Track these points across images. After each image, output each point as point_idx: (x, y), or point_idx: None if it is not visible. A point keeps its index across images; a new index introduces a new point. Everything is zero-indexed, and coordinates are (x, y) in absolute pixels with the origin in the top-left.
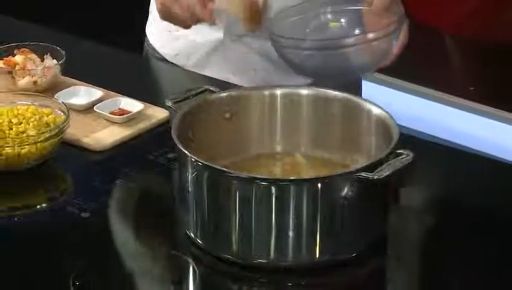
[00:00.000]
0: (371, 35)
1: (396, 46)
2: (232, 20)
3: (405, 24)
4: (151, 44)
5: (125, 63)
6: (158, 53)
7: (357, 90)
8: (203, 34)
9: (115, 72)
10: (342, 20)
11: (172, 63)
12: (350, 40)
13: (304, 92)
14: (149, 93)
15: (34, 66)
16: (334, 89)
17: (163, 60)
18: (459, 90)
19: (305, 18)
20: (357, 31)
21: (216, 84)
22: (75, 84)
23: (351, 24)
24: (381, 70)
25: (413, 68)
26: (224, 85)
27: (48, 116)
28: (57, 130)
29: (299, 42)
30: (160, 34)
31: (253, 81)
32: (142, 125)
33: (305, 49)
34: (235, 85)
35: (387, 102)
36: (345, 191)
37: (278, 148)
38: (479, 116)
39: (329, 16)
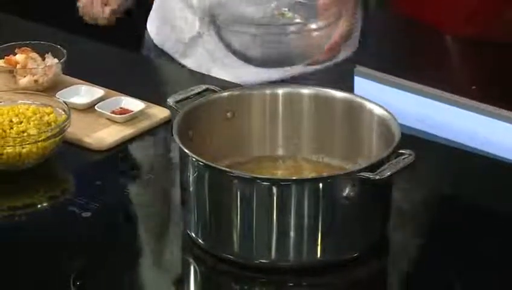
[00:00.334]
0: (311, 26)
1: (333, 39)
2: (206, 11)
3: (344, 20)
4: (147, 31)
5: (126, 62)
6: (152, 40)
7: (351, 88)
8: (184, 24)
9: (116, 71)
10: (285, 9)
11: (167, 54)
12: (288, 28)
13: (306, 91)
14: (150, 93)
15: (35, 65)
16: (335, 88)
17: (156, 47)
18: (460, 90)
19: (252, 8)
20: (297, 21)
21: (217, 84)
22: (76, 83)
23: (298, 16)
24: (381, 70)
25: (414, 68)
26: (225, 84)
27: (48, 115)
28: (57, 130)
29: (239, 27)
30: (154, 22)
31: (236, 74)
32: (143, 125)
33: (244, 33)
34: (236, 84)
35: (386, 101)
36: (347, 191)
37: (280, 149)
38: (480, 115)
39: (273, 5)
